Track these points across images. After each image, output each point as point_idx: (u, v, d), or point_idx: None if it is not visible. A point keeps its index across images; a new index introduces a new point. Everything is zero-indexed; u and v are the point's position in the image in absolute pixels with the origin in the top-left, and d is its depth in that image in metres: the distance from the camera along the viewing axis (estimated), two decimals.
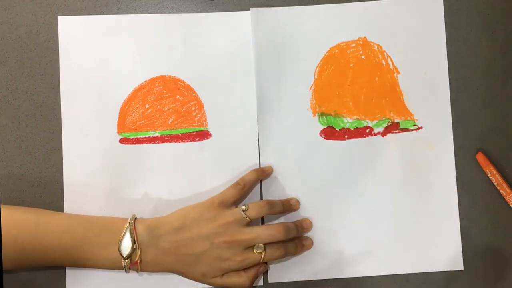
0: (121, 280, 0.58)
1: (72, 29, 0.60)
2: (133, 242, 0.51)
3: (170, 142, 0.60)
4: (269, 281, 0.59)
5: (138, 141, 0.60)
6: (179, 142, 0.60)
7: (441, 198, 0.60)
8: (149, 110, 0.60)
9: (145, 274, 0.58)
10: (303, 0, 0.61)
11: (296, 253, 0.58)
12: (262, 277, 0.59)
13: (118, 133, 0.60)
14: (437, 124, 0.60)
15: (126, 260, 0.51)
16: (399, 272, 0.60)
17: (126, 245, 0.51)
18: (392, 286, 0.60)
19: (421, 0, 0.61)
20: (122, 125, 0.60)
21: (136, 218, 0.54)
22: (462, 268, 0.60)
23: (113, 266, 0.53)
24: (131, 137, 0.60)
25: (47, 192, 0.59)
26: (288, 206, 0.58)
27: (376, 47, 0.61)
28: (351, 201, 0.60)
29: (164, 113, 0.60)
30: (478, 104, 0.61)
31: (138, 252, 0.52)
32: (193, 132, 0.60)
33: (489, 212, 0.60)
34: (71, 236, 0.52)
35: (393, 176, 0.60)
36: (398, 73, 0.61)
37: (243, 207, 0.53)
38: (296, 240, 0.57)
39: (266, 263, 0.57)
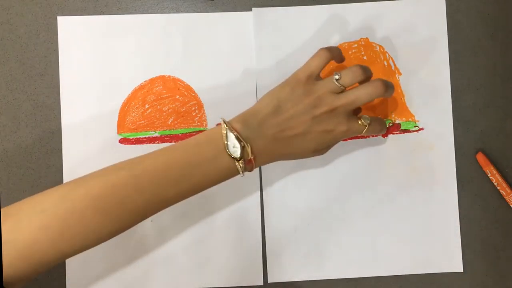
0: (121, 280, 0.58)
1: (71, 30, 0.60)
2: (239, 140, 0.47)
3: (170, 142, 0.60)
4: (269, 281, 0.59)
5: (138, 141, 0.60)
6: None
7: (441, 198, 0.60)
8: (149, 110, 0.60)
9: (146, 274, 0.58)
10: (305, 1, 0.61)
11: (384, 130, 0.55)
12: (262, 277, 0.59)
13: (118, 133, 0.60)
14: (438, 125, 0.60)
15: (240, 161, 0.48)
16: (399, 273, 0.60)
17: (235, 146, 0.47)
18: (392, 286, 0.60)
19: (423, 1, 0.61)
20: (122, 125, 0.60)
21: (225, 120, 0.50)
22: (461, 269, 0.60)
23: (228, 175, 0.49)
24: (131, 137, 0.60)
25: None
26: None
27: (378, 48, 0.61)
28: (351, 202, 0.60)
29: (164, 113, 0.60)
30: (478, 104, 0.61)
31: (248, 148, 0.48)
32: (193, 132, 0.60)
33: (489, 212, 0.60)
34: (176, 170, 0.48)
35: (393, 176, 0.60)
36: (400, 74, 0.61)
37: (336, 76, 0.50)
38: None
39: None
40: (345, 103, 0.49)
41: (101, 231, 0.46)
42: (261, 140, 0.49)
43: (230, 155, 0.47)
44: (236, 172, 0.49)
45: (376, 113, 0.60)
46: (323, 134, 0.50)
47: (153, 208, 0.49)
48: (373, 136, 0.59)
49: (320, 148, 0.51)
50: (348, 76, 0.50)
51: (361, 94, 0.50)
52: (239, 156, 0.47)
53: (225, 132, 0.48)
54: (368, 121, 0.51)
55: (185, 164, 0.48)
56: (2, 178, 0.59)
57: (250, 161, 0.49)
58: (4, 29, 0.60)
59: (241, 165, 0.48)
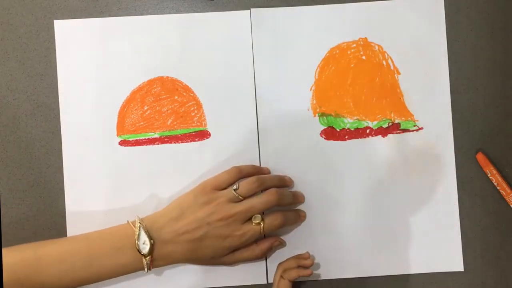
0: (124, 280, 0.58)
1: (69, 33, 0.60)
2: (150, 238, 0.51)
3: (169, 143, 0.60)
4: (269, 281, 0.59)
5: (138, 142, 0.60)
6: (179, 143, 0.60)
7: (441, 198, 0.60)
8: (148, 112, 0.60)
9: (151, 273, 0.58)
10: (304, 1, 0.61)
11: (296, 221, 0.58)
12: (266, 276, 0.59)
13: (117, 135, 0.60)
14: (437, 124, 0.60)
15: (148, 257, 0.51)
16: (399, 272, 0.60)
17: (145, 243, 0.51)
18: (392, 286, 0.60)
19: (422, 1, 0.61)
20: (121, 127, 0.60)
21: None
22: (462, 269, 0.60)
23: (129, 271, 0.52)
24: (130, 139, 0.60)
25: (47, 192, 0.59)
26: (282, 181, 0.58)
27: (376, 47, 0.61)
28: (351, 202, 0.60)
29: (163, 114, 0.60)
30: (478, 104, 0.61)
31: (154, 248, 0.52)
32: (192, 132, 0.60)
33: (489, 212, 0.60)
34: (77, 258, 0.51)
35: (393, 176, 0.60)
36: (399, 73, 0.61)
37: (234, 186, 0.54)
38: (293, 210, 0.58)
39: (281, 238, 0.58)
40: (240, 211, 0.53)
41: None
42: (160, 244, 0.52)
43: (138, 251, 0.51)
44: (138, 269, 0.52)
45: (375, 112, 0.60)
46: (219, 239, 0.53)
47: None
48: (290, 224, 0.58)
49: (217, 255, 0.54)
50: (245, 187, 0.54)
51: (256, 203, 0.53)
52: (147, 252, 0.51)
53: (138, 228, 0.52)
54: (258, 220, 0.54)
55: (87, 254, 0.51)
56: (2, 178, 0.59)
57: (151, 260, 0.52)
58: (4, 29, 0.60)
59: (147, 261, 0.51)
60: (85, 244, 0.52)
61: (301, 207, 0.60)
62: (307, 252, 0.58)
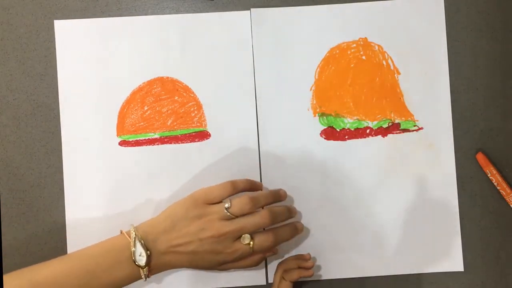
0: None
1: (69, 33, 0.60)
2: (146, 249, 0.51)
3: (169, 143, 0.60)
4: (269, 282, 0.59)
5: (138, 143, 0.60)
6: (179, 143, 0.60)
7: (441, 198, 0.60)
8: (148, 112, 0.60)
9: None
10: (303, 1, 0.61)
11: (292, 236, 0.56)
12: (266, 276, 0.59)
13: (117, 135, 0.60)
14: (437, 124, 0.60)
15: (145, 268, 0.51)
16: (399, 272, 0.60)
17: (141, 255, 0.51)
18: (392, 286, 0.60)
19: (422, 1, 0.61)
20: (121, 128, 0.60)
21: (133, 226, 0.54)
22: (462, 269, 0.60)
23: (128, 282, 0.52)
24: (130, 140, 0.60)
25: (47, 192, 0.59)
26: (276, 196, 0.56)
27: (376, 47, 0.61)
28: (351, 202, 0.60)
29: (163, 114, 0.60)
30: (478, 104, 0.61)
31: (151, 259, 0.52)
32: (192, 133, 0.60)
33: (489, 212, 0.60)
34: (75, 279, 0.50)
35: (393, 176, 0.60)
36: (399, 73, 0.61)
37: (226, 205, 0.52)
38: (288, 224, 0.56)
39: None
40: (231, 231, 0.52)
41: None
42: (156, 254, 0.52)
43: (134, 263, 0.50)
44: (137, 279, 0.52)
45: (375, 112, 0.60)
46: (212, 254, 0.52)
47: None
48: (285, 240, 0.56)
49: (212, 267, 0.54)
50: (237, 207, 0.53)
51: (248, 224, 0.52)
52: (144, 264, 0.50)
53: (133, 239, 0.51)
54: (247, 240, 0.52)
55: (83, 273, 0.50)
56: (2, 178, 0.59)
57: (149, 270, 0.52)
58: (4, 29, 0.60)
59: (145, 272, 0.51)
60: (81, 264, 0.51)
61: (301, 206, 0.60)
62: (308, 254, 0.57)
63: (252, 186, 0.56)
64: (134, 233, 0.51)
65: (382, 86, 0.60)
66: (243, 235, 0.52)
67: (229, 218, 0.52)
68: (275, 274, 0.57)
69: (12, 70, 0.60)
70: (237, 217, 0.53)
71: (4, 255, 0.59)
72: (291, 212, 0.56)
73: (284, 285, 0.55)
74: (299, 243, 0.60)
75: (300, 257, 0.57)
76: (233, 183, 0.54)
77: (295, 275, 0.55)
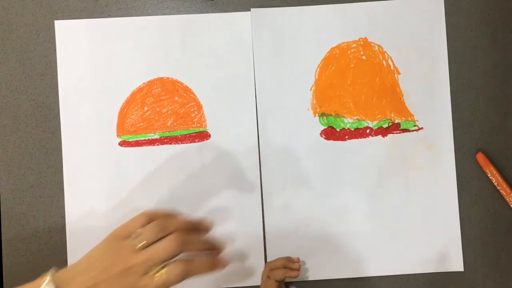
0: None
1: (69, 33, 0.60)
2: None
3: (169, 143, 0.60)
4: None
5: (138, 143, 0.60)
6: (179, 144, 0.60)
7: (441, 198, 0.60)
8: (148, 112, 0.60)
9: None
10: (304, 1, 0.61)
11: (205, 270, 0.49)
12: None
13: (117, 136, 0.60)
14: (437, 124, 0.60)
15: None
16: (399, 273, 0.60)
17: None
18: (392, 286, 0.60)
19: (421, 1, 0.61)
20: (121, 128, 0.60)
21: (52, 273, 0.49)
22: (462, 269, 0.60)
23: None
24: (130, 140, 0.60)
25: (47, 192, 0.59)
26: (194, 225, 0.50)
27: (376, 47, 0.61)
28: (351, 202, 0.60)
29: (163, 115, 0.60)
30: (478, 104, 0.61)
31: None
32: (192, 133, 0.60)
33: (489, 212, 0.60)
34: None
35: (393, 176, 0.60)
36: (399, 73, 0.61)
37: (135, 234, 0.47)
38: (210, 257, 0.50)
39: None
40: (138, 263, 0.46)
41: None
42: None
43: None
44: None
45: (375, 112, 0.60)
46: None
47: None
48: (201, 273, 0.48)
49: None
50: (145, 234, 0.47)
51: (156, 252, 0.46)
52: None
53: (44, 285, 0.46)
54: (155, 271, 0.46)
55: None
56: (2, 178, 0.59)
57: None
58: (4, 29, 0.60)
59: None
60: None
61: (301, 205, 0.60)
62: (298, 258, 0.58)
63: (169, 216, 0.50)
64: (49, 277, 0.47)
65: (382, 86, 0.60)
66: (153, 267, 0.46)
67: (143, 247, 0.47)
68: (262, 273, 0.57)
69: (12, 70, 0.60)
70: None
71: (4, 255, 0.59)
72: (209, 245, 0.50)
73: (269, 283, 0.55)
74: (299, 242, 0.60)
75: (289, 259, 0.57)
76: (147, 214, 0.49)
77: (280, 275, 0.55)
